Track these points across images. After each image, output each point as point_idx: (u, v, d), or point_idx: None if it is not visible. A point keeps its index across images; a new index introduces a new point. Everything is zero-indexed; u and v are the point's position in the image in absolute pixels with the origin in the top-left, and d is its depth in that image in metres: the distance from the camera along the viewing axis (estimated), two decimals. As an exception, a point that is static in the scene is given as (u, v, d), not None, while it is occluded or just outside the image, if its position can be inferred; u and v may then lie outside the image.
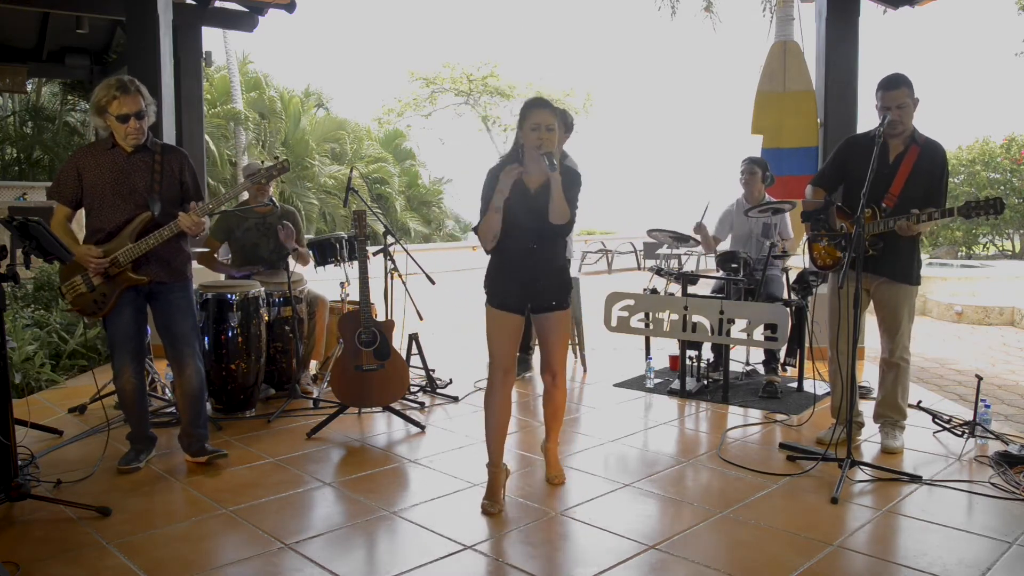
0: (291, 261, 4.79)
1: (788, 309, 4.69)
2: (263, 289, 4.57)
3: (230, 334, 4.37)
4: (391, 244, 4.91)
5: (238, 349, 4.38)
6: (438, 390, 5.05)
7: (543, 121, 2.94)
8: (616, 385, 5.31)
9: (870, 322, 4.21)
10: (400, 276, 4.84)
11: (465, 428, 4.30)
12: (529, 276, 3.13)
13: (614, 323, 5.06)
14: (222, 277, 5.02)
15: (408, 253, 5.02)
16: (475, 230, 3.12)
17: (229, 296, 4.36)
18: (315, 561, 2.71)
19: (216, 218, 4.95)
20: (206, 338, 4.32)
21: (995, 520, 3.03)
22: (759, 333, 4.57)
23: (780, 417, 4.49)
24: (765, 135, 6.48)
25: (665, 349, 5.94)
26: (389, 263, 4.86)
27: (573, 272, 3.53)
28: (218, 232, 4.99)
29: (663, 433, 4.30)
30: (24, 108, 14.70)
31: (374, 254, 4.62)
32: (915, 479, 3.42)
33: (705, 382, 5.13)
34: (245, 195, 5.13)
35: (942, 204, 3.64)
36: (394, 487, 3.47)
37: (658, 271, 5.36)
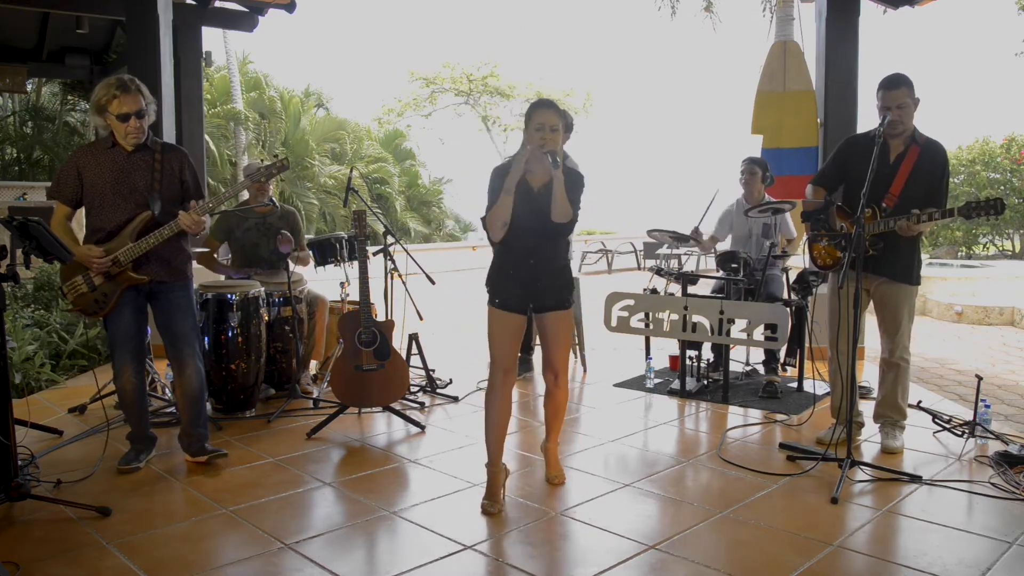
0: (291, 261, 4.79)
1: (788, 309, 4.69)
2: (263, 289, 4.57)
3: (230, 334, 4.37)
4: (391, 244, 4.91)
5: (238, 349, 4.38)
6: (438, 390, 5.05)
7: (547, 121, 2.98)
8: (616, 385, 5.31)
9: (870, 322, 4.21)
10: (400, 276, 4.84)
11: (465, 428, 4.30)
12: (531, 276, 3.14)
13: (614, 323, 5.06)
14: (222, 278, 5.02)
15: (408, 253, 5.02)
16: (483, 220, 3.11)
17: (229, 296, 4.36)
18: (315, 561, 2.71)
19: (216, 218, 4.95)
20: (206, 338, 4.32)
21: (995, 520, 3.03)
22: (759, 333, 4.57)
23: (780, 417, 4.49)
24: (765, 135, 6.49)
25: (665, 349, 5.94)
26: (389, 263, 4.86)
27: (573, 272, 3.53)
28: (218, 232, 4.99)
29: (663, 433, 4.30)
30: (24, 108, 14.70)
31: (374, 254, 4.62)
32: (915, 479, 3.42)
33: (705, 382, 5.13)
34: (245, 195, 5.14)
35: (943, 204, 3.64)
36: (394, 487, 3.47)
37: (658, 271, 5.35)
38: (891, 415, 3.90)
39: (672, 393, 5.02)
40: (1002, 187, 15.58)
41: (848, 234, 3.59)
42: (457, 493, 3.35)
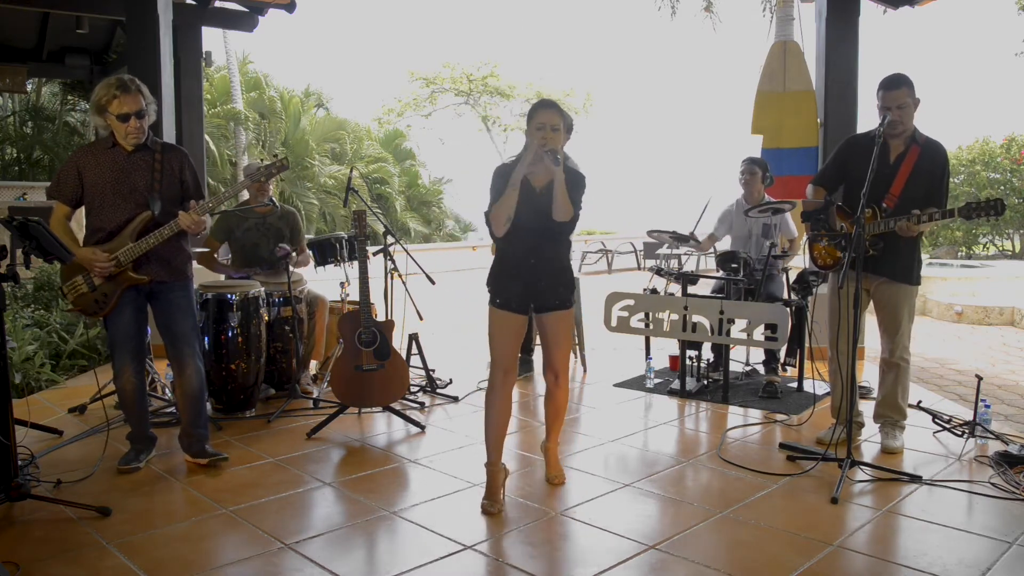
0: (291, 250, 4.79)
1: (788, 309, 4.69)
2: (263, 289, 4.57)
3: (230, 334, 4.37)
4: (391, 244, 4.91)
5: (238, 349, 4.38)
6: (438, 390, 5.05)
7: (548, 121, 3.01)
8: (616, 385, 5.31)
9: (870, 322, 4.21)
10: (400, 276, 4.84)
11: (465, 428, 4.29)
12: (532, 276, 3.15)
13: (614, 323, 5.06)
14: (222, 277, 5.02)
15: (408, 253, 5.02)
16: (486, 215, 3.11)
17: (229, 296, 4.36)
18: (315, 561, 2.71)
19: (216, 218, 4.95)
20: (206, 338, 4.32)
21: (995, 520, 3.03)
22: (759, 333, 4.57)
23: (780, 417, 4.49)
24: (765, 135, 6.48)
25: (665, 349, 5.94)
26: (389, 263, 4.86)
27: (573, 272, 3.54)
28: (218, 232, 4.98)
29: (663, 433, 4.30)
30: (24, 108, 14.69)
31: (374, 254, 4.62)
32: (915, 479, 3.42)
33: (705, 382, 5.13)
34: (245, 195, 5.14)
35: (943, 204, 3.64)
36: (394, 487, 3.47)
37: (658, 271, 5.35)
38: (891, 415, 3.89)
39: (672, 393, 5.02)
40: (1002, 187, 15.58)
41: (848, 234, 3.59)
42: (457, 493, 3.35)
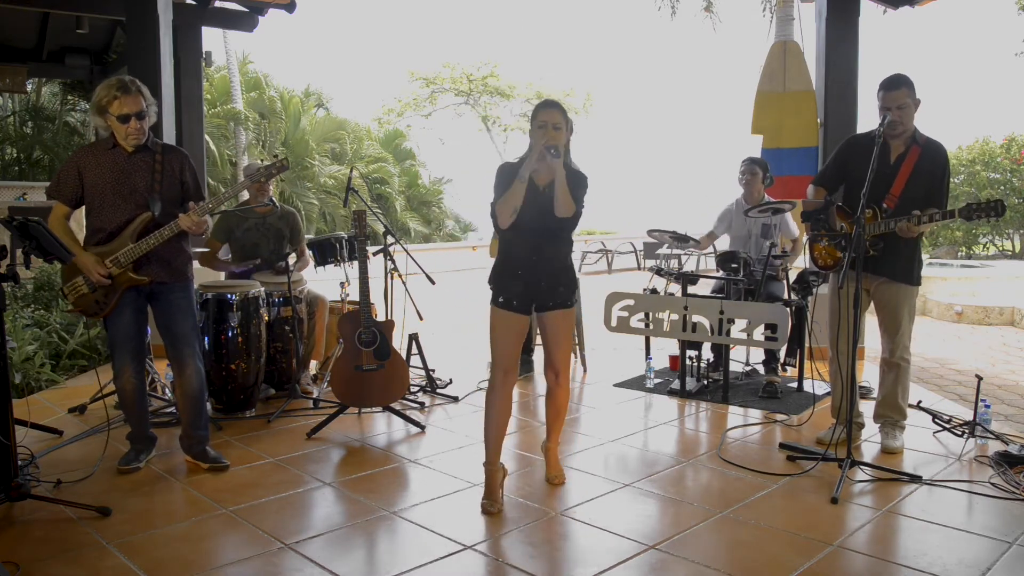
0: (291, 261, 4.80)
1: (788, 309, 4.69)
2: (263, 289, 4.57)
3: (230, 334, 4.37)
4: (391, 244, 4.91)
5: (238, 349, 4.38)
6: (438, 390, 5.05)
7: (550, 119, 3.07)
8: (616, 385, 5.31)
9: (870, 322, 4.21)
10: (400, 276, 4.84)
11: (465, 428, 4.29)
12: (534, 274, 3.16)
13: (614, 323, 5.06)
14: (222, 276, 5.02)
15: (408, 253, 5.02)
16: (492, 207, 3.14)
17: (229, 296, 4.36)
18: (315, 561, 2.71)
19: (216, 219, 4.96)
20: (206, 338, 4.32)
21: (995, 520, 3.03)
22: (759, 333, 4.57)
23: (780, 417, 4.49)
24: (765, 135, 6.48)
25: (665, 349, 5.94)
26: (389, 263, 4.86)
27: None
28: (219, 233, 4.99)
29: (663, 433, 4.30)
30: (24, 108, 14.69)
31: (374, 254, 4.62)
32: (915, 479, 3.42)
33: (705, 382, 5.13)
34: (245, 195, 5.14)
35: (943, 205, 3.64)
36: (394, 487, 3.47)
37: (658, 271, 5.35)
38: (891, 415, 3.89)
39: (672, 393, 5.02)
40: (1002, 187, 15.58)
41: (848, 234, 3.59)
42: (457, 493, 3.35)
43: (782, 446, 3.91)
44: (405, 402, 4.67)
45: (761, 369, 5.38)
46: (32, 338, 5.42)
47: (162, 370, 4.72)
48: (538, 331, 3.39)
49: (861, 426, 4.02)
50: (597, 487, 3.41)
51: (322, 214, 21.31)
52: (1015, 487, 3.30)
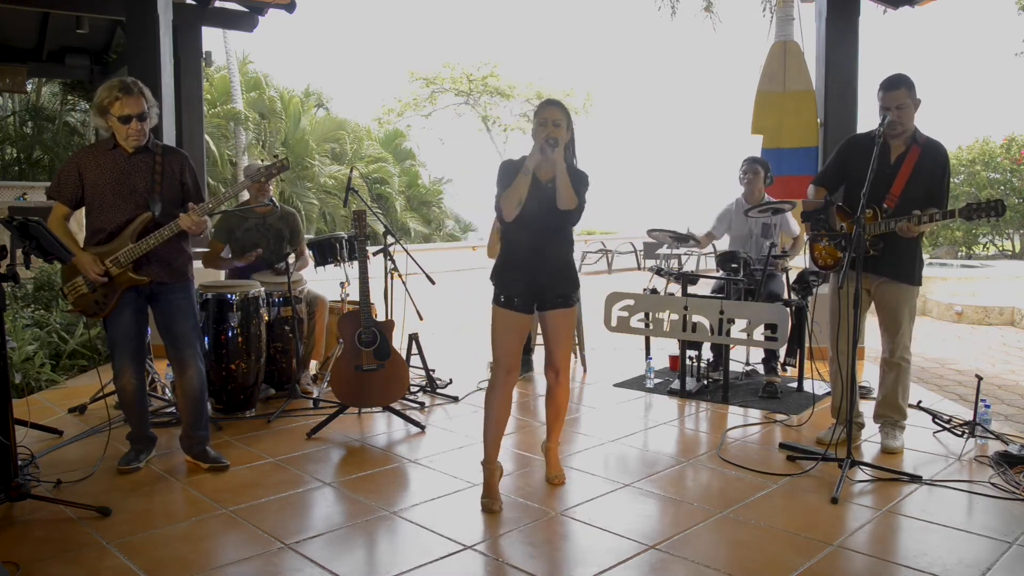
0: (291, 261, 4.80)
1: (788, 309, 4.69)
2: (263, 289, 4.57)
3: (230, 334, 4.36)
4: (391, 244, 4.91)
5: (238, 349, 4.38)
6: (438, 390, 5.05)
7: (551, 116, 3.12)
8: (616, 385, 5.31)
9: (871, 322, 4.21)
10: (400, 276, 4.84)
11: (465, 428, 4.29)
12: (536, 270, 3.18)
13: (614, 323, 5.06)
14: (222, 276, 5.02)
15: (408, 253, 5.02)
16: (497, 201, 3.16)
17: (229, 296, 4.36)
18: (315, 561, 2.71)
19: (217, 220, 4.96)
20: (206, 338, 4.32)
21: (995, 520, 3.03)
22: (759, 333, 4.57)
23: (780, 417, 4.49)
24: (765, 135, 6.48)
25: (665, 349, 5.94)
26: (389, 263, 4.86)
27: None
28: (220, 233, 4.99)
29: (663, 433, 4.30)
30: (24, 108, 14.69)
31: (374, 254, 4.62)
32: (915, 479, 3.42)
33: (705, 382, 5.13)
34: (246, 195, 5.14)
35: (944, 205, 3.64)
36: (394, 487, 3.47)
37: (658, 271, 5.35)
38: (891, 415, 3.89)
39: (672, 393, 5.02)
40: (1002, 187, 15.58)
41: (848, 234, 3.59)
42: (457, 493, 3.35)
43: (782, 446, 3.91)
44: (405, 402, 4.67)
45: (761, 369, 5.38)
46: (32, 338, 5.42)
47: (162, 370, 4.72)
48: (539, 330, 3.39)
49: (861, 426, 4.02)
50: (597, 487, 3.41)
51: (322, 214, 21.31)
52: (1015, 487, 3.30)
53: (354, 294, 4.43)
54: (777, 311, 4.56)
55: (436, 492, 3.36)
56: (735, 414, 4.63)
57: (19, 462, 3.09)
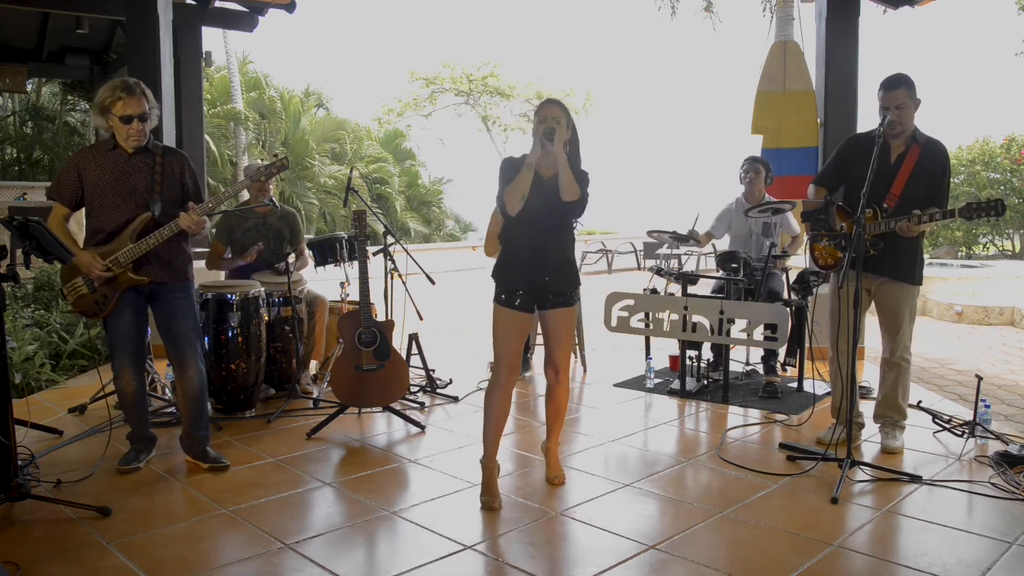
0: (291, 261, 4.80)
1: (788, 309, 4.69)
2: (263, 289, 4.57)
3: (230, 334, 4.36)
4: (391, 244, 4.91)
5: (238, 349, 4.38)
6: (438, 390, 5.05)
7: (550, 114, 3.16)
8: (616, 385, 5.31)
9: (871, 322, 4.21)
10: (400, 276, 4.84)
11: (465, 428, 4.29)
12: (538, 267, 3.18)
13: (614, 323, 5.06)
14: (222, 276, 5.02)
15: (408, 253, 5.02)
16: (500, 196, 3.17)
17: (229, 296, 4.36)
18: (315, 561, 2.71)
19: (218, 220, 4.96)
20: (206, 338, 4.32)
21: (995, 520, 3.03)
22: (759, 333, 4.57)
23: (780, 417, 4.49)
24: (765, 135, 6.49)
25: (665, 349, 5.94)
26: (389, 263, 4.86)
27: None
28: (221, 234, 4.99)
29: (663, 433, 4.30)
30: (24, 108, 14.69)
31: (374, 254, 4.62)
32: (915, 479, 3.42)
33: (705, 382, 5.13)
34: (246, 195, 5.14)
35: (944, 204, 3.64)
36: (394, 487, 3.47)
37: (658, 271, 5.35)
38: (891, 415, 3.89)
39: (672, 393, 5.02)
40: (1002, 187, 15.58)
41: (848, 234, 3.59)
42: (457, 493, 3.35)
43: (782, 446, 3.91)
44: (405, 402, 4.68)
45: (761, 369, 5.38)
46: (32, 338, 5.42)
47: (162, 370, 4.72)
48: (539, 330, 3.40)
49: (861, 426, 4.02)
50: (597, 487, 3.41)
51: (322, 214, 21.30)
52: (1015, 487, 3.30)
53: (354, 294, 4.43)
54: (777, 311, 4.57)
55: (436, 492, 3.36)
56: (735, 414, 4.63)
57: (19, 462, 3.09)
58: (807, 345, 4.98)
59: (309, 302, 5.07)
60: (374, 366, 4.18)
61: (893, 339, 3.82)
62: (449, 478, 3.52)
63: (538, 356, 4.85)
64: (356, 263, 4.29)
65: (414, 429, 4.28)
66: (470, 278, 12.93)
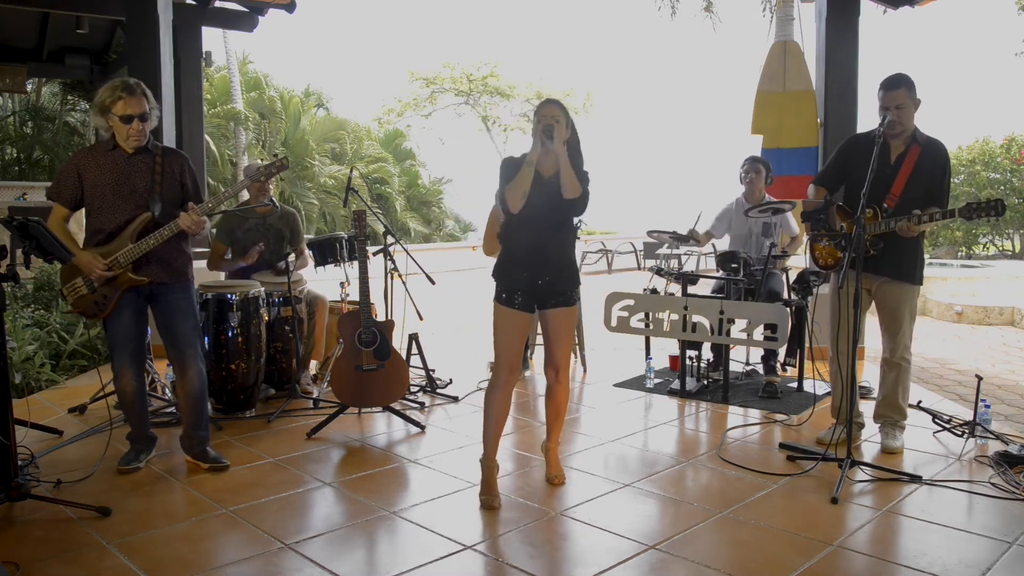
0: (291, 261, 4.80)
1: (788, 309, 4.69)
2: (263, 289, 4.57)
3: (230, 334, 4.36)
4: (391, 244, 4.91)
5: (238, 349, 4.38)
6: (438, 390, 5.05)
7: (549, 113, 3.17)
8: (616, 385, 5.31)
9: (871, 322, 4.21)
10: (400, 276, 4.84)
11: (465, 428, 4.29)
12: (538, 266, 3.19)
13: (614, 323, 5.06)
14: (222, 276, 5.02)
15: (408, 253, 5.03)
16: (501, 194, 3.18)
17: (229, 296, 4.36)
18: (315, 561, 2.71)
19: (218, 221, 4.96)
20: (206, 338, 4.32)
21: (995, 520, 3.03)
22: (759, 333, 4.57)
23: (780, 417, 4.49)
24: (765, 135, 6.49)
25: (665, 349, 5.94)
26: (389, 263, 4.86)
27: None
28: (222, 235, 4.99)
29: (663, 433, 4.30)
30: (24, 108, 14.69)
31: (374, 254, 4.62)
32: (915, 479, 3.42)
33: (705, 382, 5.13)
34: (246, 195, 5.14)
35: (944, 204, 3.64)
36: (394, 487, 3.47)
37: (658, 271, 5.35)
38: (891, 415, 3.89)
39: (672, 393, 5.02)
40: (1002, 187, 15.58)
41: (848, 234, 3.59)
42: (457, 493, 3.35)
43: (782, 446, 3.91)
44: (405, 402, 4.68)
45: (761, 369, 5.38)
46: (32, 338, 5.42)
47: (162, 370, 4.73)
48: (538, 329, 3.40)
49: (861, 426, 4.02)
50: (597, 487, 3.41)
51: (322, 214, 21.29)
52: (1015, 487, 3.30)
53: (354, 294, 4.43)
54: (777, 311, 4.57)
55: (436, 492, 3.36)
56: (735, 414, 4.63)
57: (19, 462, 3.09)
58: (807, 345, 4.98)
59: (309, 302, 5.07)
60: (374, 366, 4.18)
61: (893, 339, 3.82)
62: (449, 478, 3.52)
63: (538, 356, 4.85)
64: (356, 263, 4.29)
65: (414, 429, 4.28)
66: (470, 278, 12.93)
